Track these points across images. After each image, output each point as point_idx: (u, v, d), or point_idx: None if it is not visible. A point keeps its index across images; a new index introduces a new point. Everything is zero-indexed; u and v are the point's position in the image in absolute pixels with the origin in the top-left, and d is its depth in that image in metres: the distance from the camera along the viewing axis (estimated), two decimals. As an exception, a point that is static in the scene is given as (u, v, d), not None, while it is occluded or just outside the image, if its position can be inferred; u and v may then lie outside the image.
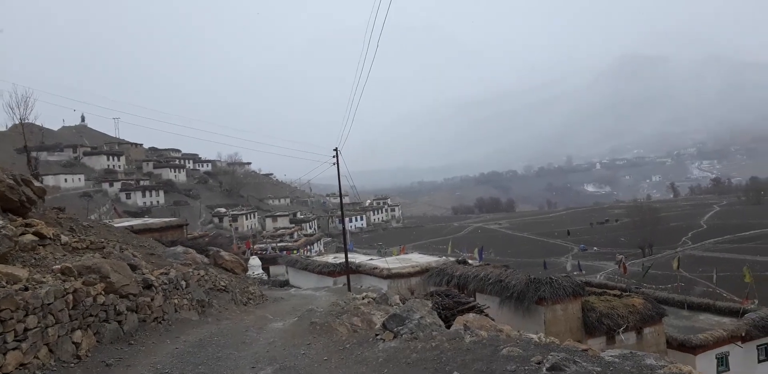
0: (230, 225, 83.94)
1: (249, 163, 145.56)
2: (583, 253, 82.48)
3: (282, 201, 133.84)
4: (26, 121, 14.26)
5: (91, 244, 9.76)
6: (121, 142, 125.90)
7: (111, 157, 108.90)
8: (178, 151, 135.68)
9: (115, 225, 27.43)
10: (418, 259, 32.86)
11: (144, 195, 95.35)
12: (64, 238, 8.83)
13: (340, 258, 38.40)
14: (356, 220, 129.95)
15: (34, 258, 6.90)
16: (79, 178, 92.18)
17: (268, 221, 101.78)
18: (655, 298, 30.53)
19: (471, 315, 5.81)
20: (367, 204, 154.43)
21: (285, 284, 37.97)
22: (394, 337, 5.54)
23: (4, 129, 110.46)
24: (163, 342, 6.64)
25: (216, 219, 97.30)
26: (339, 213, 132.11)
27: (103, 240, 10.47)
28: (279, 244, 68.14)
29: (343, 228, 24.34)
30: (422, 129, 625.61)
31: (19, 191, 11.51)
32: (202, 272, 11.29)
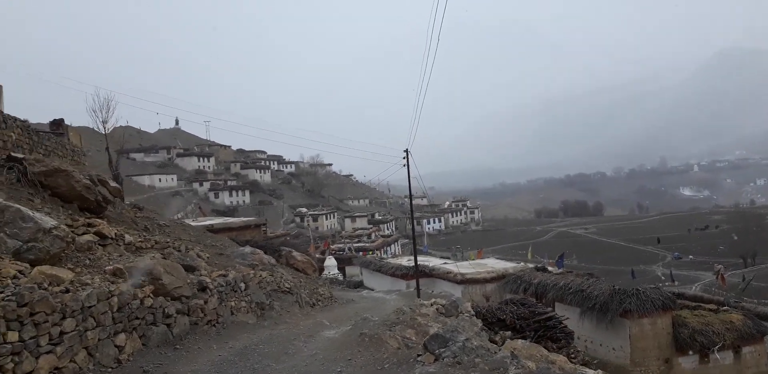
0: (307, 225, 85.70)
1: (330, 165, 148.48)
2: (677, 262, 77.22)
3: (361, 202, 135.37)
4: (108, 124, 15.00)
5: (156, 244, 9.89)
6: (211, 144, 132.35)
7: (201, 158, 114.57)
8: (264, 152, 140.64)
9: (197, 224, 28.54)
10: (494, 264, 31.79)
11: (231, 195, 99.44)
12: (128, 238, 8.96)
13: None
14: (434, 222, 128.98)
15: (89, 259, 6.95)
16: (172, 178, 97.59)
17: (347, 221, 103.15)
18: (756, 314, 27.82)
19: (520, 342, 5.14)
20: (445, 205, 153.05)
21: (359, 285, 38.04)
22: (435, 360, 5.01)
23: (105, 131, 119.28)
24: (209, 348, 6.47)
25: (297, 219, 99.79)
26: (416, 214, 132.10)
27: (168, 240, 10.60)
28: (356, 245, 68.64)
29: (413, 230, 23.87)
30: (505, 129, 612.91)
31: (95, 191, 11.94)
32: (264, 273, 11.20)
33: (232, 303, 8.75)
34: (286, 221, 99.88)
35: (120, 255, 7.51)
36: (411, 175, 18.80)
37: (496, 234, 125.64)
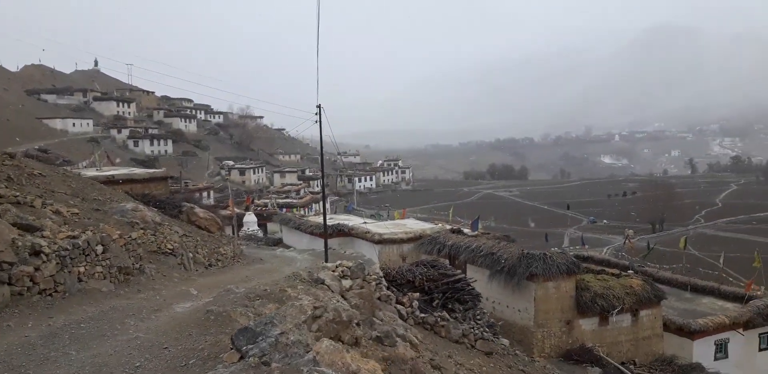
0: (226, 179, 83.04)
1: (261, 117, 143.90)
2: (592, 226, 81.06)
3: (292, 157, 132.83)
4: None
5: (0, 198, 8.51)
6: (133, 89, 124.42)
7: (121, 104, 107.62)
8: (191, 101, 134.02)
9: (98, 174, 26.40)
10: (412, 225, 31.64)
11: (152, 144, 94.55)
12: (-45, 190, 7.57)
13: (336, 218, 37.35)
14: (365, 180, 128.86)
15: None
16: (88, 123, 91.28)
17: (276, 176, 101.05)
18: (657, 279, 29.25)
19: (325, 344, 4.39)
20: (377, 164, 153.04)
21: (278, 243, 37.13)
22: (240, 359, 4.23)
23: (15, 69, 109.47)
24: (22, 326, 5.45)
25: (224, 172, 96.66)
26: (349, 172, 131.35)
27: (18, 194, 9.19)
28: (283, 201, 67.29)
29: (322, 188, 23.07)
30: (441, 91, 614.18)
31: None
32: (137, 233, 10.05)
33: (81, 269, 7.64)
34: (211, 174, 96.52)
35: None
36: (324, 132, 17.75)
37: (424, 194, 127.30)
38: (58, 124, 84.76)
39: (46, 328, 5.40)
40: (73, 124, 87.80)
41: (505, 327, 21.61)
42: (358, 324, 7.96)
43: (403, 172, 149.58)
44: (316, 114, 17.27)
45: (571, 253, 32.27)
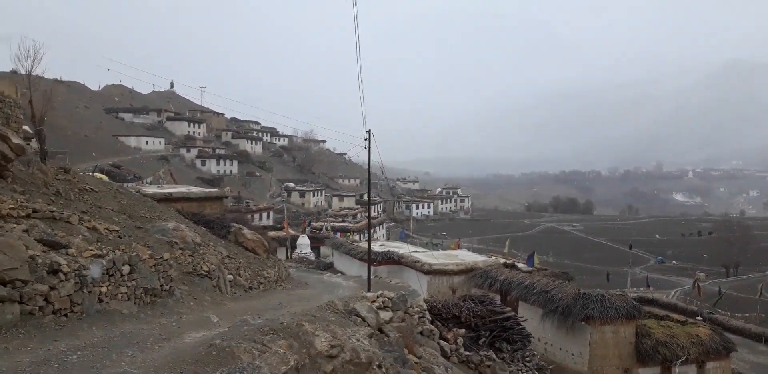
0: (284, 200, 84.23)
1: (324, 141, 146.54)
2: (659, 266, 76.61)
3: (352, 181, 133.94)
4: (35, 74, 13.50)
5: (34, 213, 8.53)
6: (204, 111, 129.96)
7: (192, 124, 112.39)
8: (258, 123, 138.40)
9: (157, 191, 27.14)
10: (464, 257, 30.67)
11: (218, 164, 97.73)
12: (-11, 203, 7.61)
13: (387, 245, 36.78)
14: (423, 207, 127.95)
15: None
16: (160, 142, 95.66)
17: (335, 200, 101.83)
18: (727, 328, 26.94)
19: None
20: (436, 192, 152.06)
21: (329, 267, 36.89)
22: None
23: (97, 88, 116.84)
24: (21, 349, 5.21)
25: (285, 194, 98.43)
26: (406, 198, 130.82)
27: (54, 209, 9.23)
28: (339, 224, 67.37)
29: (368, 214, 22.54)
30: (504, 119, 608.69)
31: (-10, 146, 10.52)
32: (167, 255, 9.88)
33: (103, 289, 7.46)
34: (272, 195, 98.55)
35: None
36: (374, 157, 17.43)
37: (483, 224, 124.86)
38: (132, 141, 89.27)
39: (42, 353, 5.14)
40: (146, 142, 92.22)
41: (557, 371, 20.24)
42: (379, 366, 7.36)
43: (462, 201, 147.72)
44: (365, 140, 17.00)
45: (635, 295, 30.35)
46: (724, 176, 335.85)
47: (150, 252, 9.39)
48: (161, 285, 9.14)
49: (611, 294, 20.12)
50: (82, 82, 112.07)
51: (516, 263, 28.46)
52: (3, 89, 15.65)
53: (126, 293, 8.04)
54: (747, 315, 34.64)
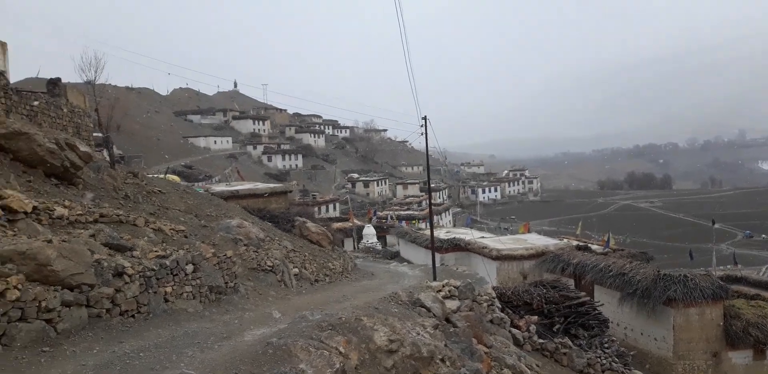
0: (347, 191, 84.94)
1: (385, 130, 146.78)
2: (747, 241, 71.88)
3: (415, 168, 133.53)
4: (98, 82, 14.13)
5: (102, 217, 8.87)
6: (267, 108, 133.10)
7: (257, 122, 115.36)
8: (319, 117, 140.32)
9: (225, 189, 28.00)
10: (534, 241, 29.87)
11: (284, 159, 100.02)
12: (59, 211, 7.95)
13: (453, 232, 36.39)
14: (490, 191, 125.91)
15: (-39, 240, 5.94)
16: (227, 141, 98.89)
17: (399, 188, 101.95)
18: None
19: None
20: (502, 174, 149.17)
21: (395, 256, 36.99)
22: None
23: (166, 93, 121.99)
24: (88, 351, 5.36)
25: (349, 185, 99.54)
26: (471, 183, 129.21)
27: (121, 213, 9.56)
28: (405, 213, 67.33)
29: (429, 201, 22.16)
30: (570, 96, 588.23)
31: (60, 156, 11.01)
32: (230, 252, 10.05)
33: (168, 289, 7.65)
34: (337, 186, 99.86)
35: (14, 235, 6.49)
36: (431, 143, 17.11)
37: (554, 205, 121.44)
38: (201, 142, 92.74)
39: (107, 356, 5.29)
40: (215, 142, 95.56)
41: (639, 357, 19.36)
42: (443, 360, 7.16)
43: (530, 182, 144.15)
44: (421, 126, 16.71)
45: (721, 273, 28.49)
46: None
47: (213, 250, 9.59)
48: (225, 283, 9.32)
49: (694, 273, 18.95)
50: (151, 88, 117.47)
51: (589, 245, 27.37)
52: (73, 100, 16.43)
53: (191, 292, 8.24)
54: None
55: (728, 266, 39.54)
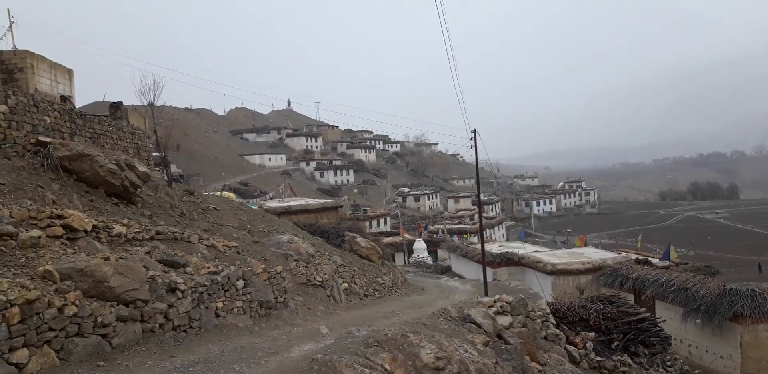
0: (398, 205, 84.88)
1: (436, 144, 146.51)
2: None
3: (467, 181, 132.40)
4: (156, 104, 14.87)
5: (158, 235, 9.23)
6: (320, 125, 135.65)
7: (309, 138, 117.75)
8: (370, 132, 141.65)
9: (277, 205, 28.62)
10: (591, 254, 28.97)
11: (336, 174, 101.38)
12: (118, 229, 8.32)
13: (506, 246, 35.75)
14: (544, 204, 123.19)
15: (26, 258, 6.29)
16: (281, 158, 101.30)
17: (450, 202, 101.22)
18: None
19: None
20: (558, 186, 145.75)
21: (447, 270, 36.60)
22: None
23: (223, 113, 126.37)
24: (141, 365, 5.56)
25: (400, 199, 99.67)
26: (525, 195, 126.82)
27: (176, 230, 9.92)
28: (456, 226, 66.71)
29: (480, 215, 21.82)
30: (628, 104, 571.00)
31: (121, 176, 11.56)
32: (280, 267, 10.22)
33: (219, 304, 7.85)
34: (388, 201, 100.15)
35: (74, 253, 6.83)
36: (481, 155, 16.97)
37: (612, 217, 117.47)
38: (256, 159, 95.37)
39: (159, 370, 5.47)
40: (269, 159, 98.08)
41: (704, 376, 18.36)
42: (491, 379, 7.03)
43: (587, 194, 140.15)
44: (471, 139, 16.60)
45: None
46: None
47: (264, 265, 9.78)
48: (275, 298, 9.48)
49: (763, 288, 17.90)
50: (209, 108, 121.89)
51: (650, 258, 26.31)
52: (134, 122, 17.27)
53: (241, 307, 8.43)
54: None
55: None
